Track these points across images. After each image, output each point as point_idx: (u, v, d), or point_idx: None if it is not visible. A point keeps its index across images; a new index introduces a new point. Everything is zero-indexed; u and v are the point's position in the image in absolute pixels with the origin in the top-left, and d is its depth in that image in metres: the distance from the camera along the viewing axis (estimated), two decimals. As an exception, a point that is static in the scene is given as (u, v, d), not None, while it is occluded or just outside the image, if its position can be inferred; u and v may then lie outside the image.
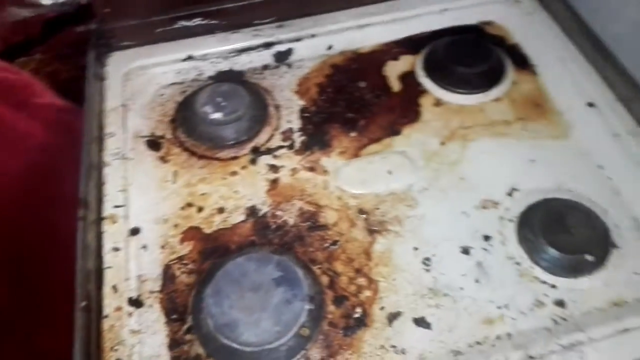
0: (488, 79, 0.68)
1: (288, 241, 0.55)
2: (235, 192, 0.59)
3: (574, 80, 0.66)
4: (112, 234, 0.53)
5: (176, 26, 0.72)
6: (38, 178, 0.69)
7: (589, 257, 0.52)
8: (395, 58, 0.73)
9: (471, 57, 0.70)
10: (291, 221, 0.57)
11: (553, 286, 0.52)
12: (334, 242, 0.55)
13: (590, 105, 0.64)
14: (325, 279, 0.52)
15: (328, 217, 0.57)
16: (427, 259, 0.54)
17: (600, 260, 0.52)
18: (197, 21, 0.73)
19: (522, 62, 0.71)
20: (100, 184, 0.57)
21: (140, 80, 0.69)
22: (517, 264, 0.53)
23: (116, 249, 0.52)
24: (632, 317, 0.49)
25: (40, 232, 0.69)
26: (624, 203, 0.56)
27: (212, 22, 0.73)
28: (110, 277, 0.50)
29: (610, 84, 0.64)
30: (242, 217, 0.57)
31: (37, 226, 0.69)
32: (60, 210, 0.70)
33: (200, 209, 0.57)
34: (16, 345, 0.68)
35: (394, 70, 0.72)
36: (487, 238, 0.55)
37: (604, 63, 0.65)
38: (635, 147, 0.59)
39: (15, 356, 0.68)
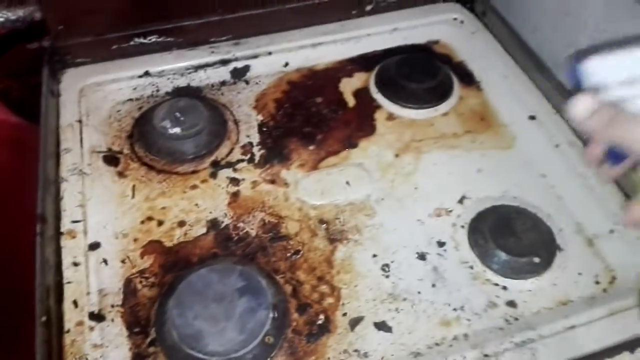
0: (437, 95, 0.71)
1: (250, 252, 0.56)
2: (196, 205, 0.60)
3: (516, 95, 0.71)
4: (71, 249, 0.53)
5: (132, 43, 0.73)
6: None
7: (536, 259, 0.55)
8: (349, 75, 0.76)
9: (420, 74, 0.73)
10: (253, 232, 0.58)
11: (504, 288, 0.55)
12: (296, 252, 0.56)
13: (532, 117, 0.68)
14: (288, 288, 0.53)
15: (289, 227, 0.58)
16: (386, 265, 0.56)
17: (547, 262, 0.56)
18: (153, 38, 0.73)
19: (468, 79, 0.75)
20: (57, 200, 0.56)
21: (96, 96, 0.68)
22: (470, 267, 0.56)
23: (76, 264, 0.52)
24: (578, 314, 0.52)
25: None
26: (566, 208, 0.60)
27: (169, 39, 0.74)
28: (70, 292, 0.50)
29: (548, 98, 0.69)
30: (203, 230, 0.57)
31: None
32: (19, 227, 0.68)
33: (160, 223, 0.57)
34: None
35: (348, 86, 0.74)
36: (441, 244, 0.58)
37: (543, 78, 0.70)
38: (574, 157, 0.63)
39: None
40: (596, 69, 0.35)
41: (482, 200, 0.61)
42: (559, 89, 0.68)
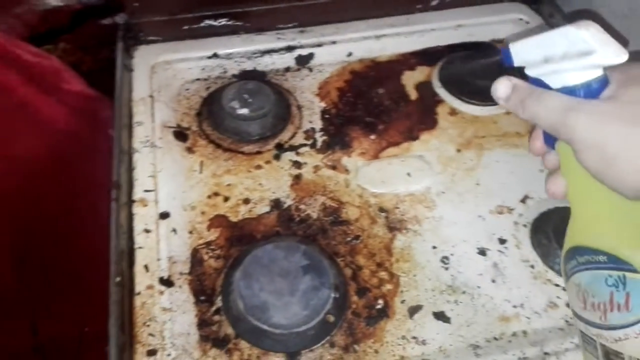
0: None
1: (311, 234, 0.57)
2: (260, 184, 0.61)
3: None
4: (143, 217, 0.54)
5: (202, 25, 0.74)
6: (60, 163, 0.69)
7: (599, 263, 0.55)
8: (412, 68, 0.76)
9: (485, 70, 0.72)
10: (314, 215, 0.59)
11: (565, 289, 0.54)
12: (356, 237, 0.57)
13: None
14: (348, 271, 0.54)
15: (350, 213, 0.59)
16: (446, 257, 0.56)
17: (610, 266, 0.55)
18: (222, 21, 0.75)
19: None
20: (130, 169, 0.58)
21: (167, 74, 0.70)
22: (532, 266, 0.56)
23: (147, 231, 0.53)
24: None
25: (54, 218, 0.70)
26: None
27: (237, 23, 0.75)
28: (141, 257, 0.51)
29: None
30: (267, 209, 0.59)
31: (52, 212, 0.70)
32: (77, 198, 0.71)
33: (226, 199, 0.59)
34: (22, 333, 0.68)
35: (410, 79, 0.74)
36: (502, 241, 0.58)
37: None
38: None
39: (19, 341, 0.68)
40: (519, 50, 0.37)
41: (545, 201, 0.60)
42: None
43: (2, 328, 0.67)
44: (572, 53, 0.33)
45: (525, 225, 0.59)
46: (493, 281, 0.55)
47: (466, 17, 0.81)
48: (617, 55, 0.33)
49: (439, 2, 0.81)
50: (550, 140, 0.38)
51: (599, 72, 0.34)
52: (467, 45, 0.79)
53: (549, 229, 0.57)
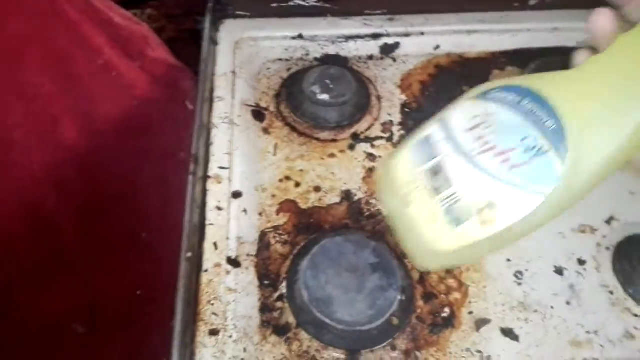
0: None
1: (380, 230, 0.55)
2: (332, 173, 0.60)
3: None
4: (216, 194, 0.54)
5: (291, 4, 0.73)
6: (133, 129, 0.71)
7: (685, 298, 0.51)
8: (501, 68, 0.73)
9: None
10: (384, 211, 0.57)
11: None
12: (427, 239, 0.55)
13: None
14: (415, 274, 0.52)
15: (422, 213, 0.57)
16: (520, 272, 0.53)
17: (698, 305, 0.51)
18: (311, 2, 0.73)
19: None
20: (208, 144, 0.58)
21: (250, 51, 0.70)
22: (611, 292, 0.53)
23: (219, 208, 0.53)
24: None
25: (121, 181, 0.71)
26: None
27: (326, 5, 0.74)
28: (212, 234, 0.51)
29: None
30: (337, 199, 0.58)
31: (120, 175, 0.71)
32: (146, 164, 0.72)
33: (297, 184, 0.58)
34: (76, 287, 0.70)
35: (499, 79, 0.71)
36: (582, 262, 0.54)
37: None
38: None
39: (72, 295, 0.70)
40: None
41: (632, 225, 0.57)
42: None
43: (58, 279, 0.70)
44: None
45: (608, 248, 0.55)
46: (568, 303, 0.52)
47: (565, 20, 0.76)
48: None
49: (538, 1, 0.77)
50: None
51: None
52: (562, 50, 0.75)
53: (633, 255, 0.54)
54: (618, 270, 0.54)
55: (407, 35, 0.74)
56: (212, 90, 0.63)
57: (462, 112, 0.37)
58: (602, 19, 0.34)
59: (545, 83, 0.35)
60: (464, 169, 0.35)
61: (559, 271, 0.54)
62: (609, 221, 0.57)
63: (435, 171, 0.36)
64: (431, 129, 0.38)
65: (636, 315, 0.51)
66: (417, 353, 0.47)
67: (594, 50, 0.36)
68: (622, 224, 0.57)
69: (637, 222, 0.57)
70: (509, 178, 0.34)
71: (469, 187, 0.35)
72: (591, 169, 0.34)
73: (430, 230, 0.36)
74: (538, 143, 0.33)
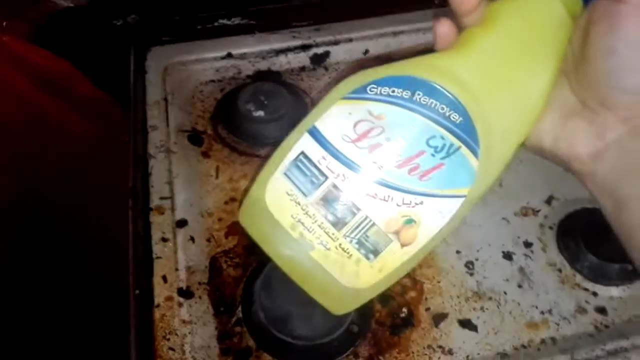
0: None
1: (332, 240, 0.55)
2: (278, 189, 0.59)
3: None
4: (160, 225, 0.53)
5: (216, 24, 0.73)
6: (73, 170, 0.69)
7: (629, 266, 0.53)
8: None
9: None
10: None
11: (594, 294, 0.53)
12: (378, 242, 0.55)
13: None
14: (370, 278, 0.53)
15: (371, 217, 0.57)
16: (470, 262, 0.54)
17: (641, 270, 0.53)
18: (236, 20, 0.73)
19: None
20: (146, 175, 0.57)
21: (180, 75, 0.69)
22: (559, 270, 0.54)
23: (165, 240, 0.52)
24: (672, 325, 0.50)
25: (66, 223, 0.69)
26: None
27: (252, 22, 0.74)
28: (160, 267, 0.50)
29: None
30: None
31: (64, 217, 0.69)
32: (89, 202, 0.70)
33: (243, 205, 0.57)
34: (34, 341, 0.67)
35: (429, 77, 0.72)
36: (528, 244, 0.56)
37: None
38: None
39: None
40: None
41: (571, 202, 0.59)
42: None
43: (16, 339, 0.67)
44: None
45: (551, 228, 0.57)
46: (520, 286, 0.53)
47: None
48: None
49: (457, -4, 0.79)
50: None
51: None
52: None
53: (576, 231, 0.56)
54: (563, 248, 0.55)
55: (335, 43, 0.74)
56: (144, 120, 0.62)
57: (337, 119, 0.30)
58: (447, 28, 0.31)
59: (434, 69, 0.29)
60: (367, 189, 0.29)
61: (508, 256, 0.55)
62: (548, 201, 0.59)
63: (330, 199, 0.30)
64: (302, 144, 0.31)
65: (586, 290, 0.53)
66: (380, 357, 0.47)
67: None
68: (561, 202, 0.59)
69: (575, 199, 0.59)
70: (423, 188, 0.29)
71: (379, 209, 0.29)
72: (502, 153, 0.30)
73: (344, 272, 0.31)
74: (446, 141, 0.29)
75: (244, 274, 0.52)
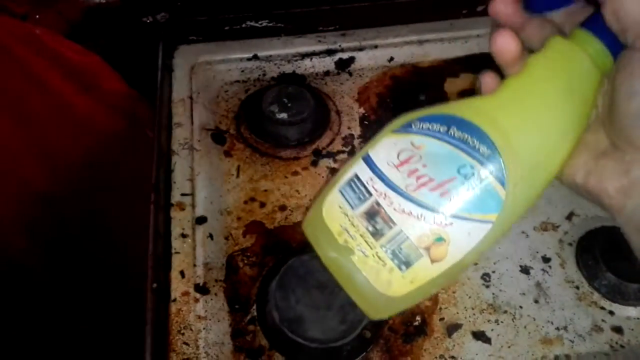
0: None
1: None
2: (297, 191, 0.60)
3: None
4: (180, 221, 0.54)
5: (243, 25, 0.74)
6: (95, 162, 0.70)
7: (648, 287, 0.53)
8: (455, 75, 0.74)
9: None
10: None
11: (611, 312, 0.52)
12: (394, 250, 0.55)
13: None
14: (385, 285, 0.53)
15: (388, 224, 0.57)
16: (487, 275, 0.54)
17: (660, 291, 0.53)
18: (264, 22, 0.74)
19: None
20: (168, 172, 0.58)
21: (206, 75, 0.70)
22: (576, 287, 0.54)
23: (184, 236, 0.53)
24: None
25: (88, 216, 0.70)
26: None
27: (279, 24, 0.75)
28: (178, 263, 0.51)
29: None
30: (303, 217, 0.57)
31: (87, 210, 0.70)
32: (112, 196, 0.71)
33: (262, 205, 0.58)
34: (55, 326, 0.69)
35: (453, 86, 0.73)
36: (546, 260, 0.56)
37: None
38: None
39: (54, 336, 0.69)
40: None
41: (592, 219, 0.58)
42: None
43: (36, 319, 0.68)
44: None
45: (570, 244, 0.57)
46: (536, 301, 0.53)
47: (512, 23, 0.78)
48: None
49: (485, 7, 0.78)
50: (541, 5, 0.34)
51: None
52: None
53: (595, 249, 0.55)
54: (582, 265, 0.55)
55: (361, 49, 0.75)
56: (169, 117, 0.63)
57: (386, 148, 0.35)
58: (505, 41, 0.33)
59: (469, 109, 0.34)
60: (403, 207, 0.34)
61: (525, 270, 0.55)
62: (569, 217, 0.59)
63: (372, 213, 0.34)
64: (356, 168, 0.36)
65: (603, 308, 0.53)
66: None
67: (498, 72, 0.35)
68: (582, 219, 0.59)
69: (596, 216, 0.58)
70: (452, 211, 0.33)
71: (412, 225, 0.33)
72: (531, 186, 0.33)
73: (378, 278, 0.35)
74: (475, 170, 0.33)
75: (260, 274, 0.52)
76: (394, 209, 0.34)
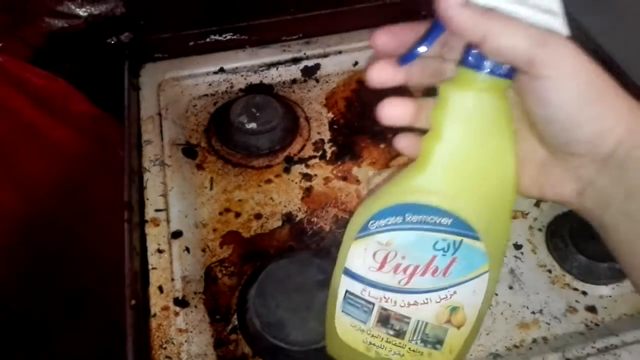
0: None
1: (325, 246, 0.57)
2: (271, 199, 0.60)
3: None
4: (155, 237, 0.54)
5: (208, 40, 0.74)
6: (69, 186, 0.70)
7: (617, 265, 0.54)
8: (419, 75, 0.76)
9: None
10: (327, 227, 0.58)
11: (584, 293, 0.54)
12: (370, 248, 0.56)
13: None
14: (363, 283, 0.53)
15: (363, 224, 0.58)
16: (462, 265, 0.55)
17: (629, 268, 0.54)
18: (228, 36, 0.75)
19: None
20: (141, 189, 0.58)
21: (174, 91, 0.70)
22: (549, 271, 0.55)
23: (160, 251, 0.53)
24: (661, 323, 0.51)
25: (65, 240, 0.70)
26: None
27: (243, 37, 0.75)
28: (155, 278, 0.51)
29: None
30: (279, 223, 0.58)
31: (64, 234, 0.70)
32: (88, 218, 0.71)
33: (237, 215, 0.59)
34: (35, 353, 0.68)
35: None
36: (518, 247, 0.57)
37: None
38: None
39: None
40: None
41: (559, 204, 0.60)
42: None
43: (15, 348, 0.67)
44: (539, 5, 0.30)
45: (540, 230, 0.58)
46: (510, 288, 0.54)
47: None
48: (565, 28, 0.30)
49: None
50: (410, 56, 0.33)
51: None
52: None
53: (564, 232, 0.57)
54: (552, 249, 0.56)
55: (325, 55, 0.76)
56: (139, 135, 0.63)
57: (360, 256, 0.35)
58: (392, 112, 0.34)
59: (410, 191, 0.34)
60: (407, 301, 0.35)
61: (498, 258, 0.56)
62: (537, 204, 0.60)
63: (384, 319, 0.36)
64: (344, 285, 0.37)
65: (576, 289, 0.54)
66: None
67: (411, 130, 0.36)
68: (549, 205, 0.60)
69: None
70: (449, 282, 0.34)
71: (424, 311, 0.35)
72: (501, 223, 0.35)
73: None
74: (449, 241, 0.33)
75: (239, 283, 0.53)
76: (401, 306, 0.35)
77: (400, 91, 0.36)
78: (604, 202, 0.31)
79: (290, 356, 0.47)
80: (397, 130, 0.61)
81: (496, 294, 0.53)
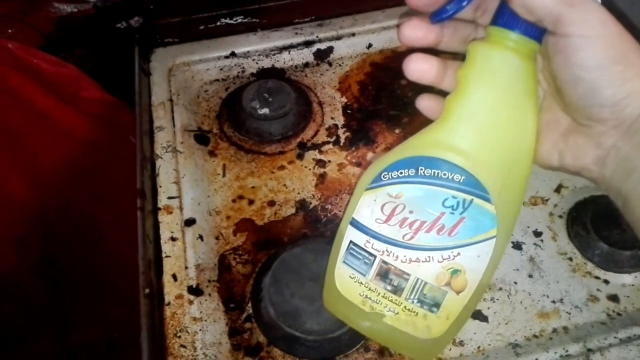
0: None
1: (340, 234, 0.55)
2: (284, 185, 0.60)
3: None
4: (169, 224, 0.54)
5: (218, 24, 0.73)
6: (81, 173, 0.69)
7: (641, 253, 0.53)
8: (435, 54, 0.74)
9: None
10: (341, 214, 0.57)
11: (606, 281, 0.52)
12: (386, 236, 0.55)
13: None
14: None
15: (378, 211, 0.57)
16: (480, 253, 0.54)
17: (654, 256, 0.53)
18: (238, 19, 0.73)
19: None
20: (153, 176, 0.57)
21: (185, 76, 0.69)
22: (570, 259, 0.54)
23: (173, 239, 0.53)
24: (685, 312, 0.49)
25: (79, 228, 0.70)
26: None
27: (254, 20, 0.74)
28: (169, 266, 0.51)
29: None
30: (292, 210, 0.57)
31: (77, 221, 0.70)
32: (101, 206, 0.70)
33: (251, 202, 0.58)
34: (51, 340, 0.68)
35: (434, 69, 0.72)
36: (538, 234, 0.56)
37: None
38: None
39: (50, 351, 0.68)
40: None
41: (580, 190, 0.58)
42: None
43: (31, 335, 0.68)
44: None
45: (561, 216, 0.57)
46: (530, 276, 0.53)
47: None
48: None
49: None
50: (444, 12, 0.32)
51: None
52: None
53: (586, 219, 0.55)
54: (573, 236, 0.55)
55: (338, 38, 0.74)
56: (150, 121, 0.62)
57: (368, 207, 0.35)
58: (419, 67, 0.35)
59: (427, 145, 0.34)
60: (410, 257, 0.35)
61: (518, 246, 0.55)
62: (558, 190, 0.59)
63: (384, 273, 0.36)
64: (349, 235, 0.37)
65: (597, 278, 0.53)
66: (391, 350, 0.47)
67: (433, 90, 0.36)
68: (570, 190, 0.59)
69: (584, 186, 0.59)
70: (454, 242, 0.34)
71: (425, 270, 0.34)
72: (514, 188, 0.34)
73: (417, 328, 0.36)
74: (459, 199, 0.33)
75: (253, 271, 0.52)
76: (402, 262, 0.35)
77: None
78: (625, 170, 0.31)
79: (305, 345, 0.46)
80: (411, 114, 0.60)
81: (515, 283, 0.52)
